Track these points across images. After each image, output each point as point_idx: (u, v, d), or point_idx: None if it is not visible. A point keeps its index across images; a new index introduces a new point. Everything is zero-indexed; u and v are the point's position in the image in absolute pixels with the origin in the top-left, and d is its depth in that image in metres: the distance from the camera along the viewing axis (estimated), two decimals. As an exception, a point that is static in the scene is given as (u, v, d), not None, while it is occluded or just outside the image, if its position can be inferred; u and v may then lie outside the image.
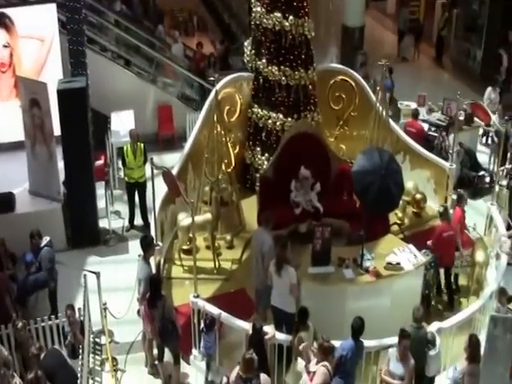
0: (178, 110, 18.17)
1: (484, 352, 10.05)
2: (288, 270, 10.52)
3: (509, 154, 15.51)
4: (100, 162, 15.14)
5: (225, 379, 9.25)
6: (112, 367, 10.01)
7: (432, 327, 10.36)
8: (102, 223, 14.42)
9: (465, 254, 12.39)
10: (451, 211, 12.87)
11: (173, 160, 14.68)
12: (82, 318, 10.74)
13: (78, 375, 9.46)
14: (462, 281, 12.77)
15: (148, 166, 12.76)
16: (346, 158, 14.30)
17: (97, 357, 10.70)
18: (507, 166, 15.12)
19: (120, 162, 15.24)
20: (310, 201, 12.90)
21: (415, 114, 16.58)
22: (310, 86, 14.47)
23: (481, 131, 17.47)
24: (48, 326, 10.84)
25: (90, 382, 10.09)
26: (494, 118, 17.14)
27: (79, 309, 10.84)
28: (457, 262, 12.40)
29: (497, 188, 14.13)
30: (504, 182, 14.51)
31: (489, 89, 17.72)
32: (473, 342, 9.60)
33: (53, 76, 14.82)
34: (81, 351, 10.03)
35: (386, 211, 12.52)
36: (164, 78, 19.24)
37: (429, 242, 12.20)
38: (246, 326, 10.23)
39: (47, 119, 13.58)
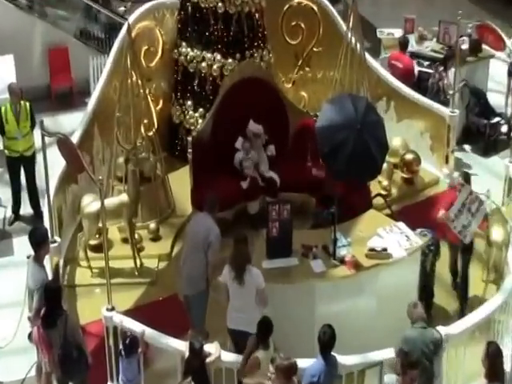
0: (76, 52, 18.10)
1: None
2: (252, 272, 10.35)
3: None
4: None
5: (153, 421, 9.16)
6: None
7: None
8: (-24, 215, 14.37)
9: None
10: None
11: (72, 123, 14.68)
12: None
13: None
14: (475, 268, 12.74)
15: (37, 133, 12.51)
16: (309, 110, 14.40)
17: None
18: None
19: (-3, 130, 15.21)
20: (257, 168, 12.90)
21: (403, 43, 16.37)
22: (257, 15, 14.46)
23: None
24: None
25: None
26: (510, 43, 17.03)
27: None
28: None
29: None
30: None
31: None
32: (492, 353, 9.52)
33: None
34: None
35: (365, 179, 12.47)
36: (56, 9, 18.94)
37: None
38: (181, 345, 10.09)
39: None
